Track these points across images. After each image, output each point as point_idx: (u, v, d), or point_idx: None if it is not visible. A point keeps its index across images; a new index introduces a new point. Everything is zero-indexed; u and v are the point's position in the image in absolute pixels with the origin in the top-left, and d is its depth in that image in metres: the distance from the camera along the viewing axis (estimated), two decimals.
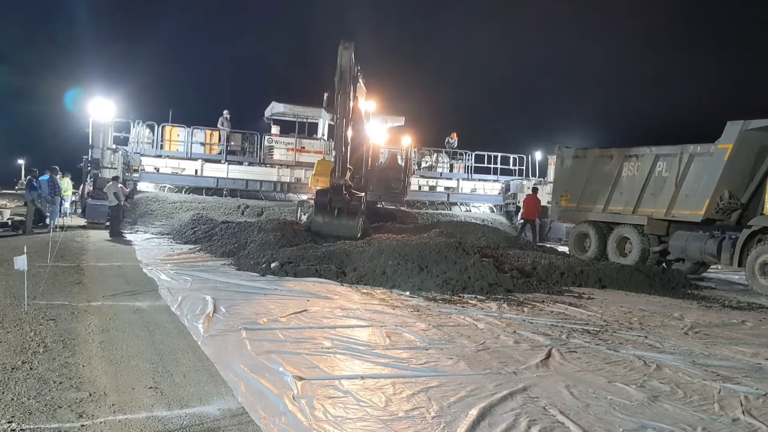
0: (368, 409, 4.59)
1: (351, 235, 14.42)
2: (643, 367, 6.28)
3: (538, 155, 31.94)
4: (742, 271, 13.58)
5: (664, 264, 15.65)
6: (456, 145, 31.27)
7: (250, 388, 4.93)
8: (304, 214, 20.60)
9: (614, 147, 16.98)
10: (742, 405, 5.17)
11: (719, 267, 15.68)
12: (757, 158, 13.74)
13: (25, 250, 7.42)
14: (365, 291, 10.08)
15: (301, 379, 5.13)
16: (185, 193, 25.65)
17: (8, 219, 18.56)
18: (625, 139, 16.51)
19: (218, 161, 26.50)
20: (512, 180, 30.28)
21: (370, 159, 20.44)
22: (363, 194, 15.88)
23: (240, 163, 26.88)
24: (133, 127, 25.72)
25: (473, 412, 4.57)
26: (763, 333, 8.57)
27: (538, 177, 30.38)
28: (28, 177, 20.31)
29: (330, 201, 14.74)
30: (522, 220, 21.84)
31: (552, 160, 24.73)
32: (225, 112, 27.69)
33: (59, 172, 21.25)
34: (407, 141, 21.03)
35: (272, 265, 11.41)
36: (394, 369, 5.71)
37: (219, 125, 27.34)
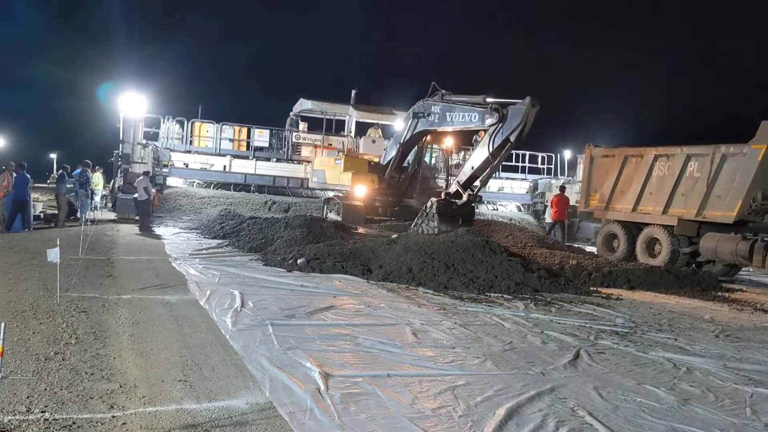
0: (395, 406, 4.59)
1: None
2: (673, 369, 6.20)
3: (567, 154, 31.68)
4: None
5: (694, 266, 15.42)
6: None
7: (277, 382, 4.96)
8: (331, 211, 20.65)
9: (645, 146, 16.76)
10: None
11: (751, 269, 15.41)
12: None
13: (57, 243, 7.54)
14: (391, 288, 10.08)
15: (327, 375, 5.16)
16: (213, 188, 25.89)
17: (41, 212, 18.90)
18: (656, 138, 16.29)
19: (246, 157, 26.70)
20: (540, 179, 30.06)
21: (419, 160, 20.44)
22: (475, 203, 16.09)
23: (268, 160, 27.05)
24: (163, 122, 26.03)
25: (500, 412, 4.55)
26: None
27: (567, 176, 30.13)
28: (60, 171, 20.63)
29: (452, 209, 15.09)
30: (552, 221, 21.68)
31: (581, 159, 24.48)
32: (292, 113, 28.04)
33: (90, 167, 21.55)
34: (450, 141, 21.06)
35: (299, 261, 11.47)
36: (420, 367, 5.70)
37: (288, 125, 27.59)
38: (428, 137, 19.69)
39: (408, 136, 19.16)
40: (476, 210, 16.54)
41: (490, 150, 14.67)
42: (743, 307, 10.79)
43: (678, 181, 15.28)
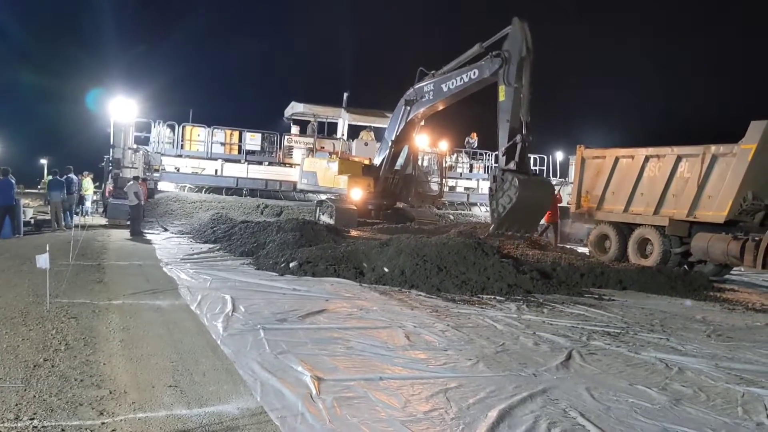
0: (387, 410, 4.57)
1: (548, 199, 15.33)
2: (664, 369, 6.21)
3: (559, 155, 31.75)
4: (766, 273, 13.38)
5: (685, 266, 15.46)
6: (476, 145, 31.14)
7: (268, 387, 4.93)
8: (323, 214, 20.63)
9: (635, 147, 16.80)
10: (766, 409, 5.10)
11: (742, 269, 15.46)
12: None
13: (47, 249, 7.49)
14: (384, 291, 10.07)
15: (319, 379, 5.14)
16: (205, 192, 25.82)
17: (31, 218, 18.79)
18: (647, 139, 16.35)
19: (238, 161, 26.65)
20: None
21: (412, 163, 20.43)
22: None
23: (260, 163, 27.00)
24: (154, 127, 25.94)
25: (493, 414, 4.54)
26: None
27: (559, 177, 30.19)
28: (50, 177, 20.52)
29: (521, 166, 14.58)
30: (544, 222, 21.73)
31: (573, 160, 24.55)
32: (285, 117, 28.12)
33: (72, 173, 21.44)
34: (444, 145, 21.12)
35: (291, 264, 11.44)
36: (412, 370, 5.69)
37: (309, 131, 27.63)
38: (417, 133, 19.64)
39: (401, 127, 19.17)
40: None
41: (515, 84, 14.50)
42: (735, 306, 10.82)
43: (669, 181, 15.32)
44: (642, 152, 16.31)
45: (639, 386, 5.53)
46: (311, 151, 24.77)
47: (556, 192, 21.98)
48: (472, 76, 16.06)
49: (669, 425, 4.57)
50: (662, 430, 4.47)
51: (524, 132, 14.50)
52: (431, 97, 17.84)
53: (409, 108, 18.68)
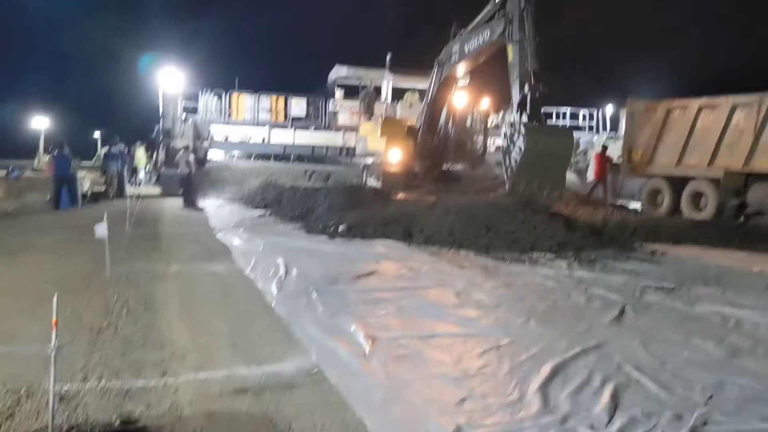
0: (440, 367, 4.64)
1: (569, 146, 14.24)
2: (721, 323, 6.11)
3: (610, 109, 30.98)
4: None
5: (742, 218, 15.04)
6: None
7: (323, 347, 5.05)
8: (370, 178, 20.65)
9: (688, 98, 16.29)
10: None
11: None
12: None
13: (105, 219, 7.73)
14: (433, 252, 10.09)
15: (372, 338, 5.22)
16: (254, 160, 26.12)
17: (88, 190, 19.36)
18: (700, 89, 15.78)
19: (284, 127, 26.80)
20: (582, 136, 29.52)
21: (452, 123, 20.11)
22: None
23: (306, 129, 27.11)
24: (202, 96, 26.24)
25: (545, 369, 4.56)
26: None
27: (610, 132, 29.52)
28: (107, 147, 21.00)
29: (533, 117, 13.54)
30: (594, 179, 21.33)
31: (623, 114, 23.96)
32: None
33: (120, 144, 21.83)
34: (486, 103, 20.70)
35: (340, 228, 11.55)
36: (464, 327, 5.74)
37: (360, 99, 27.49)
38: (454, 90, 19.29)
39: (435, 90, 18.96)
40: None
41: (517, 38, 13.93)
42: None
43: (723, 132, 14.85)
44: (695, 103, 15.82)
45: (694, 340, 5.46)
46: (368, 116, 24.61)
47: (605, 149, 21.54)
48: (485, 38, 15.65)
49: (726, 377, 4.52)
50: (719, 383, 4.42)
51: (533, 81, 13.60)
52: (456, 59, 17.53)
53: (441, 70, 18.44)
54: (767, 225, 14.65)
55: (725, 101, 15.00)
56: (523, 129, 12.93)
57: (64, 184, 16.29)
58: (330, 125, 27.33)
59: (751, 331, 5.85)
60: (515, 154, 13.05)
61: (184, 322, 5.82)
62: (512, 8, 14.17)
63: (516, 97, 13.90)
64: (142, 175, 26.43)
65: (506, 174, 13.50)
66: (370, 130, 21.78)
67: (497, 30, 14.87)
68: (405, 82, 27.57)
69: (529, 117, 13.43)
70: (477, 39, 16.22)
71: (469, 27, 16.72)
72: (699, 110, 15.61)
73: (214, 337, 5.38)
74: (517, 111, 13.70)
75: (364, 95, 27.41)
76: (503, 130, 13.92)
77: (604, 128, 30.32)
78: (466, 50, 16.86)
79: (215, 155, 25.86)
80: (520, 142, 12.93)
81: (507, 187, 13.49)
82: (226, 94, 26.64)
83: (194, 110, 26.19)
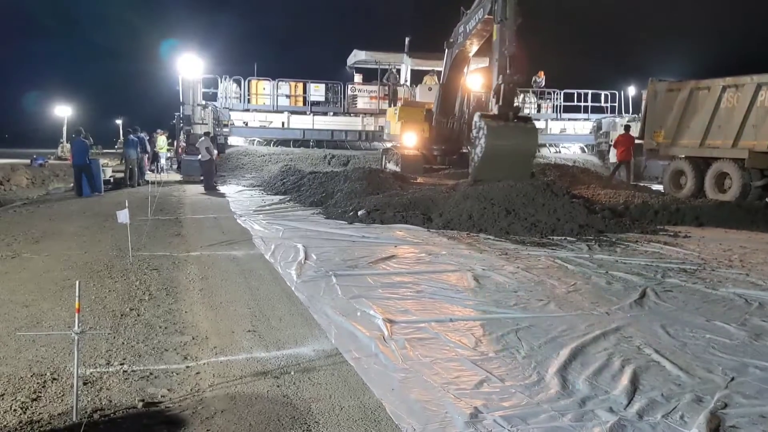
0: (458, 349, 4.64)
1: (533, 143, 14.30)
2: (744, 305, 6.04)
3: (631, 90, 30.63)
4: None
5: (767, 199, 14.82)
6: (543, 84, 30.31)
7: (342, 330, 5.07)
8: (389, 162, 20.63)
9: (711, 78, 16.04)
10: None
11: None
12: None
13: (126, 205, 7.81)
14: (452, 236, 10.08)
15: (391, 321, 5.24)
16: (273, 145, 26.21)
17: (110, 177, 19.57)
18: (723, 69, 15.55)
19: (303, 113, 26.84)
20: (604, 118, 29.21)
21: (467, 105, 19.94)
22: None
23: (325, 114, 27.13)
24: (221, 82, 26.34)
25: (565, 352, 4.54)
26: None
27: (632, 113, 29.18)
28: (128, 135, 21.19)
29: (503, 111, 13.76)
30: (617, 161, 21.13)
31: (645, 95, 23.66)
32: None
33: (140, 131, 22.00)
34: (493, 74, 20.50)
35: (359, 212, 11.57)
36: (482, 311, 5.73)
37: (385, 79, 27.38)
38: (467, 72, 19.16)
39: (447, 73, 18.86)
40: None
41: (500, 19, 13.78)
42: None
43: (748, 112, 14.62)
44: (719, 82, 15.57)
45: (716, 322, 5.40)
46: (391, 101, 24.49)
47: (627, 130, 21.29)
48: (480, 16, 15.55)
49: (748, 360, 4.47)
50: (741, 365, 4.38)
51: (507, 70, 13.62)
52: (462, 39, 17.41)
53: (450, 52, 18.33)
54: None
55: (750, 81, 14.75)
56: (486, 129, 13.37)
57: (83, 171, 16.46)
58: (349, 110, 27.32)
59: None
60: (479, 150, 13.64)
61: (205, 307, 5.87)
62: None
63: (494, 82, 14.06)
64: (163, 161, 26.65)
65: (471, 165, 14.17)
66: (392, 115, 21.73)
67: (487, 8, 14.79)
68: (424, 65, 27.44)
69: (500, 108, 13.69)
70: (474, 18, 16.12)
71: (472, 6, 16.61)
72: (723, 90, 15.38)
73: (235, 321, 5.42)
74: (493, 97, 13.99)
75: (387, 79, 27.32)
76: (474, 120, 14.12)
77: (627, 110, 29.98)
78: (468, 29, 16.77)
79: (235, 141, 25.98)
80: (482, 141, 13.45)
81: (469, 179, 14.03)
82: (245, 80, 26.72)
83: (214, 97, 26.32)
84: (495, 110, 13.89)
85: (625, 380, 4.05)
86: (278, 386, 3.99)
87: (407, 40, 27.44)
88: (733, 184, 15.04)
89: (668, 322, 5.39)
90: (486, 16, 15.13)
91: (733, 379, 4.13)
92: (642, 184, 18.82)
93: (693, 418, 3.54)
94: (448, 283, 6.80)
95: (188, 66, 23.69)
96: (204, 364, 4.39)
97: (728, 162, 15.17)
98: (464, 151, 20.44)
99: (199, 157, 19.07)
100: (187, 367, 4.33)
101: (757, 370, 4.30)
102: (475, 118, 14.05)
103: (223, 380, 4.10)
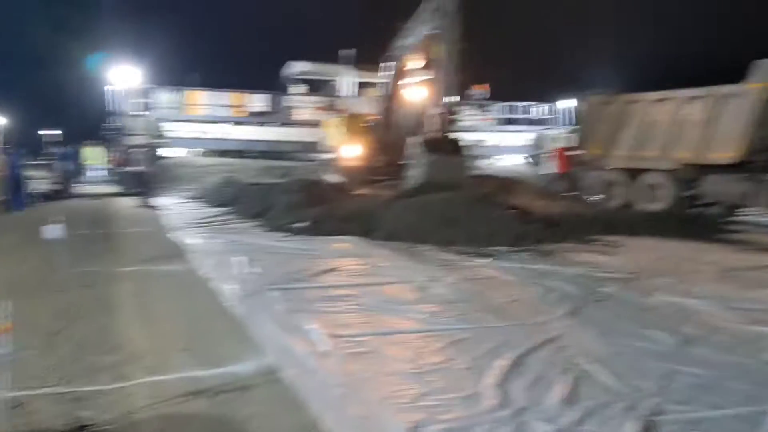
0: (398, 363, 4.63)
1: (462, 177, 14.24)
2: (675, 313, 6.22)
3: (569, 103, 31.42)
4: None
5: (695, 209, 15.38)
6: (486, 97, 30.72)
7: (280, 346, 5.00)
8: (330, 173, 20.57)
9: (642, 91, 16.61)
10: None
11: (753, 209, 15.37)
12: None
13: (57, 220, 7.57)
14: (393, 247, 10.08)
15: (331, 336, 5.19)
16: (212, 156, 25.81)
17: (35, 190, 18.89)
18: (656, 84, 16.18)
19: (243, 123, 26.53)
20: (542, 130, 29.88)
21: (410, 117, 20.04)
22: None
23: (266, 125, 26.87)
24: (157, 92, 25.81)
25: (503, 363, 4.59)
26: None
27: (569, 126, 29.93)
28: (55, 149, 20.59)
29: (438, 140, 14.17)
30: (553, 172, 21.61)
31: (582, 108, 24.31)
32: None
33: (65, 145, 21.48)
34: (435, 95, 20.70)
35: (300, 224, 11.48)
36: (423, 324, 5.74)
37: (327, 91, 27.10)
38: (406, 84, 19.34)
39: (389, 85, 19.00)
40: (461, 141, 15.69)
41: (445, 39, 14.08)
42: (745, 247, 10.78)
43: (677, 125, 15.17)
44: (650, 96, 16.13)
45: (649, 330, 5.54)
46: (331, 112, 24.41)
47: (564, 142, 21.83)
48: (423, 31, 15.78)
49: (678, 367, 4.60)
50: (671, 372, 4.50)
51: (451, 96, 14.20)
52: (401, 53, 17.62)
53: (392, 64, 18.49)
54: (720, 216, 15.05)
55: (680, 95, 15.33)
56: (426, 162, 13.81)
57: (12, 184, 15.86)
58: (290, 121, 27.14)
59: (704, 320, 5.97)
60: (415, 174, 14.08)
61: (140, 325, 5.72)
62: (445, 4, 14.23)
63: (436, 101, 14.45)
64: (92, 174, 25.91)
65: (406, 180, 14.50)
66: (332, 126, 21.70)
67: (431, 23, 14.98)
68: (367, 77, 27.50)
69: (443, 137, 14.24)
70: (416, 33, 16.29)
71: (410, 21, 16.75)
72: (654, 104, 15.92)
73: (170, 339, 5.29)
74: (434, 118, 14.42)
75: (328, 91, 27.31)
76: (415, 142, 14.47)
77: (563, 123, 30.73)
78: (409, 44, 16.93)
79: (172, 152, 25.46)
80: (422, 170, 13.88)
81: (400, 189, 14.33)
82: (182, 90, 26.26)
83: (149, 107, 25.75)
84: (435, 134, 14.28)
85: (560, 390, 4.11)
86: (214, 405, 3.92)
87: (349, 51, 27.50)
88: (664, 194, 15.54)
89: (602, 331, 5.51)
90: (429, 32, 15.27)
91: (664, 386, 4.25)
92: (577, 195, 19.26)
93: (627, 425, 3.61)
94: (389, 296, 6.79)
95: (122, 75, 23.14)
96: (137, 384, 4.27)
97: (658, 173, 15.67)
98: (403, 162, 20.57)
99: (135, 168, 18.63)
100: (120, 387, 4.20)
101: (688, 377, 4.43)
102: (416, 140, 14.40)
103: (156, 401, 3.99)
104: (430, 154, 13.99)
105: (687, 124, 14.99)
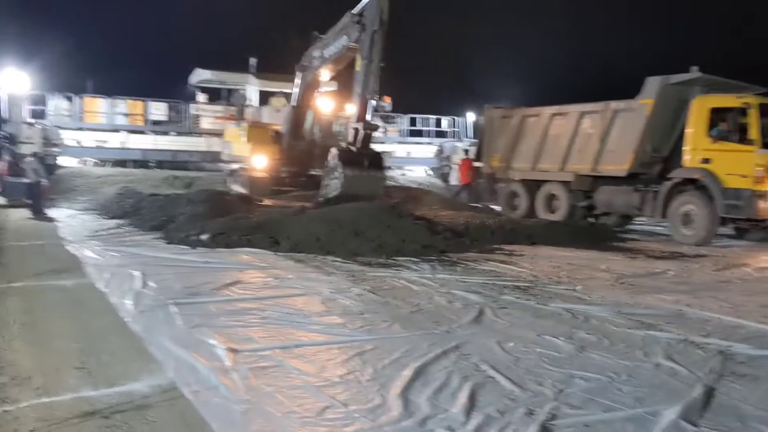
0: (303, 376, 4.58)
1: (378, 191, 14.45)
2: (571, 319, 6.47)
3: (471, 116, 32.25)
4: (665, 221, 14.14)
5: (590, 218, 16.11)
6: (389, 109, 31.13)
7: (180, 362, 4.84)
8: (235, 184, 20.20)
9: (541, 105, 17.27)
10: (663, 350, 5.39)
11: (644, 219, 16.24)
12: (677, 112, 14.19)
13: None
14: (300, 259, 10.01)
15: (233, 350, 5.07)
16: (110, 166, 24.85)
17: None
18: (554, 98, 16.89)
19: (143, 132, 25.71)
20: (446, 142, 30.52)
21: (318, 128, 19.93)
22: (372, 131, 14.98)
23: (166, 134, 26.13)
24: (51, 99, 24.64)
25: (407, 373, 4.62)
26: (684, 281, 8.95)
27: (471, 138, 30.71)
28: None
29: (355, 154, 14.21)
30: (459, 183, 22.09)
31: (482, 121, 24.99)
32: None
33: None
34: (351, 109, 20.81)
35: (203, 236, 11.18)
36: (329, 335, 5.71)
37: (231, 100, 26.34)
38: (318, 95, 19.38)
39: (299, 95, 18.95)
40: (382, 155, 15.85)
41: (365, 57, 14.25)
42: (637, 255, 11.38)
43: (573, 138, 15.86)
44: (547, 110, 16.79)
45: (547, 336, 5.74)
46: (235, 120, 23.96)
47: (468, 154, 22.36)
48: (344, 43, 15.96)
49: (574, 371, 4.78)
50: (568, 377, 4.67)
51: (369, 115, 14.44)
52: (318, 64, 17.67)
53: (303, 74, 18.48)
54: (613, 225, 15.83)
55: (574, 109, 16.03)
56: (343, 177, 13.91)
57: None
58: (192, 130, 26.51)
59: (598, 325, 6.24)
60: (331, 187, 14.20)
61: (28, 343, 5.39)
62: (368, 21, 14.41)
63: (353, 116, 14.62)
64: None
65: (322, 190, 14.63)
66: (235, 135, 21.30)
67: (353, 36, 15.07)
68: (271, 86, 27.28)
69: (359, 150, 14.29)
70: (336, 44, 16.37)
71: (328, 33, 16.80)
72: (551, 117, 16.59)
73: (62, 357, 5.01)
74: (350, 132, 14.53)
75: (233, 99, 26.88)
76: (331, 156, 14.51)
77: (467, 135, 31.51)
78: (326, 55, 16.96)
79: (67, 161, 24.32)
80: (338, 183, 14.01)
81: (316, 201, 14.54)
82: (77, 97, 25.18)
83: (43, 114, 24.53)
84: (352, 146, 14.31)
85: (463, 398, 4.18)
86: (108, 427, 3.73)
87: (253, 60, 27.22)
88: (561, 204, 16.17)
89: (503, 338, 5.65)
90: (350, 44, 15.30)
91: (561, 390, 4.39)
92: (482, 206, 19.77)
93: (525, 431, 3.71)
94: (295, 308, 6.71)
95: (12, 81, 21.94)
96: (25, 406, 4.01)
97: (557, 184, 16.32)
98: (313, 173, 20.49)
99: (26, 178, 17.63)
100: (5, 411, 3.94)
101: (582, 381, 4.60)
102: (333, 155, 14.38)
103: (46, 424, 3.76)
104: (347, 168, 14.02)
105: (582, 138, 15.69)
